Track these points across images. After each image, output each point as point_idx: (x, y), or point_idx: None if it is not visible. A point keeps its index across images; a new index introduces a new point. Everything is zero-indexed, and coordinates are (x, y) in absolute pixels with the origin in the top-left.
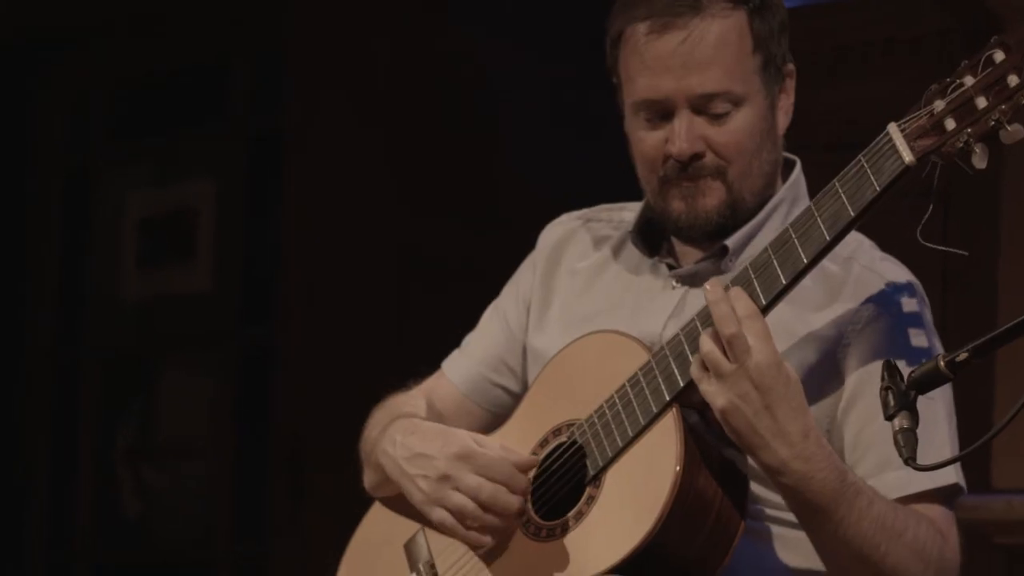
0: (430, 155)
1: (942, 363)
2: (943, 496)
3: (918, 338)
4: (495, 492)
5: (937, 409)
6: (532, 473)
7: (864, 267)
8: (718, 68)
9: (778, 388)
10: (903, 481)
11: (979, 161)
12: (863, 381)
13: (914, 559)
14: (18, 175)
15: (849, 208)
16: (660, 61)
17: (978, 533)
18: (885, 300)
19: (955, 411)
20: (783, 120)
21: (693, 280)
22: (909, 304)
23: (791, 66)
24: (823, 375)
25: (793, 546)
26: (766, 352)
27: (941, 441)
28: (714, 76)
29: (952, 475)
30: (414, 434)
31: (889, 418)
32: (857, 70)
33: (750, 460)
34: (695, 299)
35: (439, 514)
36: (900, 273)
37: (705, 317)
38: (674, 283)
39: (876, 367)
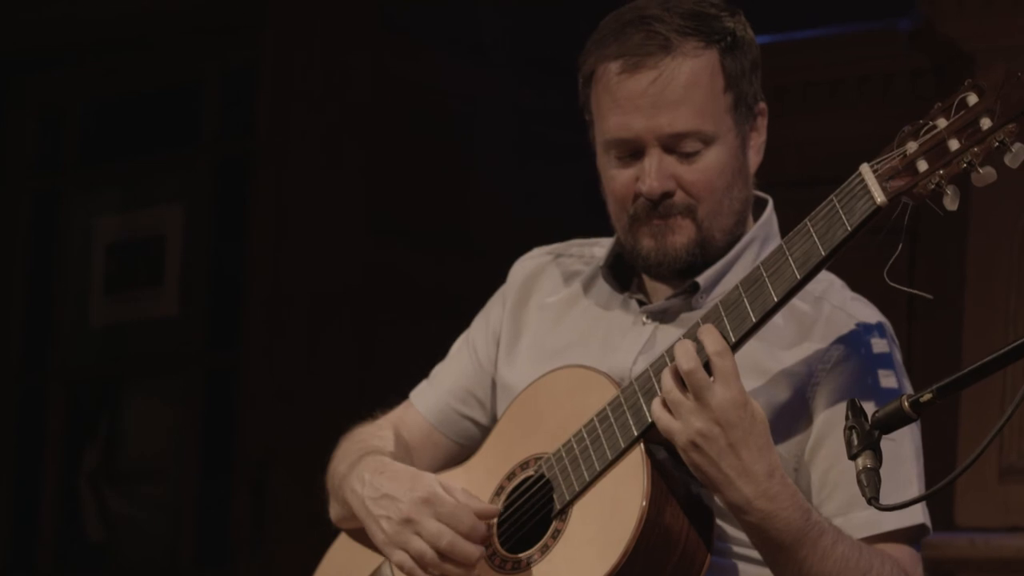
0: (401, 182)
1: (906, 403)
2: (910, 536)
3: (887, 379)
4: (454, 541)
5: (904, 448)
6: (495, 520)
7: (835, 307)
8: (689, 108)
9: (743, 426)
10: (870, 521)
11: (951, 203)
12: (831, 421)
13: None
14: None
15: (820, 247)
16: (631, 100)
17: (941, 571)
18: (855, 340)
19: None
20: (754, 158)
21: (663, 316)
22: (879, 345)
23: (763, 104)
24: (792, 414)
25: None
26: (733, 389)
27: (908, 480)
28: (684, 115)
29: (919, 515)
30: (383, 474)
31: (853, 458)
32: (828, 107)
33: (716, 498)
34: (665, 335)
35: (399, 556)
36: (870, 314)
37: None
38: (644, 319)
39: (845, 407)
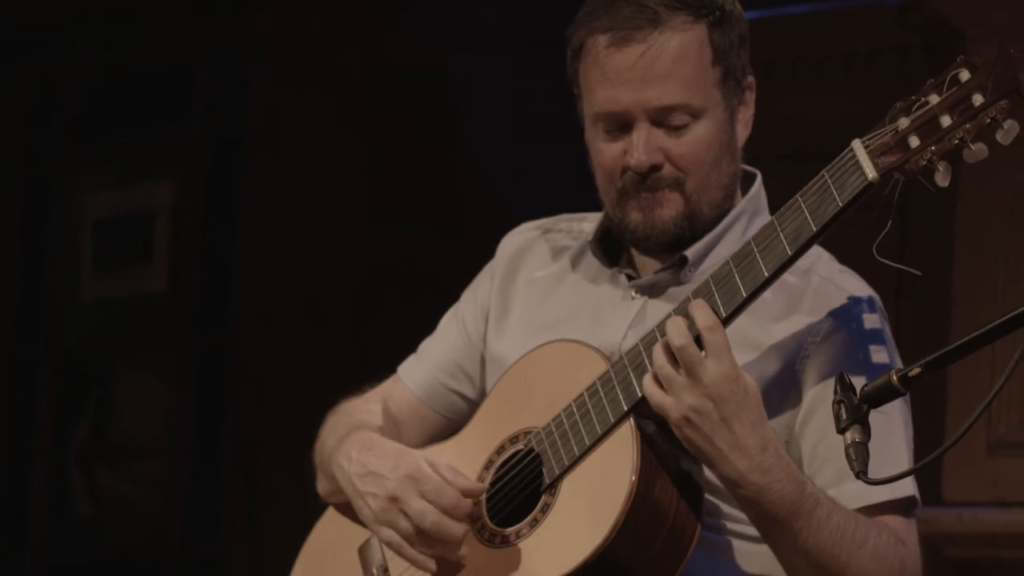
0: (393, 162)
1: (894, 377)
2: (901, 508)
3: (876, 351)
4: (438, 521)
5: (894, 422)
6: (485, 495)
7: (823, 279)
8: (677, 81)
9: (736, 400)
10: (862, 491)
11: (942, 179)
12: (821, 394)
13: (875, 569)
14: None
15: (811, 223)
16: (619, 74)
17: (929, 545)
18: (844, 313)
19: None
20: (742, 132)
21: (652, 291)
22: (868, 317)
23: (751, 78)
24: (782, 387)
25: (753, 558)
26: (725, 364)
27: (897, 453)
28: (673, 89)
29: (909, 488)
30: (370, 451)
31: (841, 432)
32: (815, 82)
33: (707, 472)
34: (655, 310)
35: (386, 534)
36: (859, 286)
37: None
38: (634, 293)
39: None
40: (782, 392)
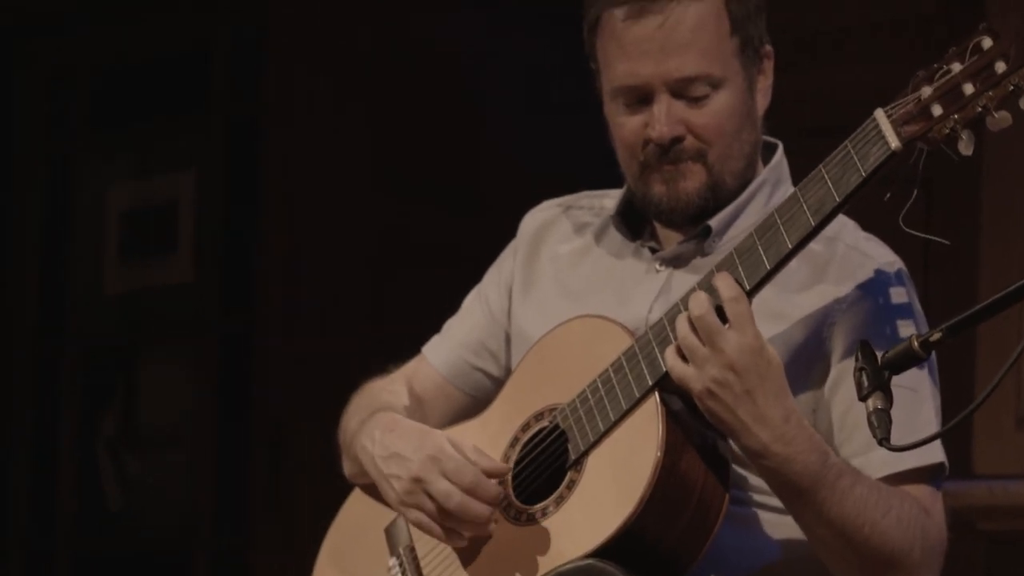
0: (411, 141)
1: (915, 343)
2: (929, 475)
3: (903, 317)
4: (463, 502)
5: (923, 395)
6: (509, 473)
7: (849, 247)
8: (696, 51)
9: (758, 371)
10: (890, 459)
11: (965, 148)
12: (849, 362)
13: (899, 538)
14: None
15: (834, 193)
16: (637, 46)
17: (961, 519)
18: (870, 280)
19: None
20: (762, 101)
21: (677, 262)
22: (894, 283)
23: (769, 47)
24: (809, 356)
25: (780, 529)
26: (747, 335)
27: (927, 422)
28: (692, 59)
29: (938, 454)
30: (393, 431)
31: (863, 399)
32: (839, 54)
33: (732, 444)
34: (680, 281)
35: (413, 515)
36: (884, 253)
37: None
38: (658, 266)
39: None
40: (809, 362)
